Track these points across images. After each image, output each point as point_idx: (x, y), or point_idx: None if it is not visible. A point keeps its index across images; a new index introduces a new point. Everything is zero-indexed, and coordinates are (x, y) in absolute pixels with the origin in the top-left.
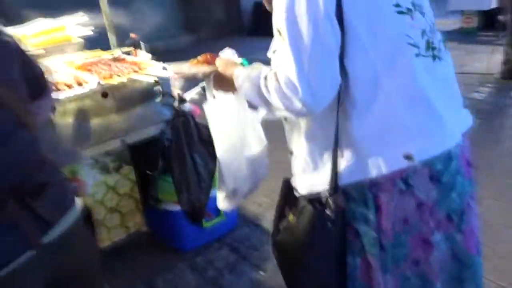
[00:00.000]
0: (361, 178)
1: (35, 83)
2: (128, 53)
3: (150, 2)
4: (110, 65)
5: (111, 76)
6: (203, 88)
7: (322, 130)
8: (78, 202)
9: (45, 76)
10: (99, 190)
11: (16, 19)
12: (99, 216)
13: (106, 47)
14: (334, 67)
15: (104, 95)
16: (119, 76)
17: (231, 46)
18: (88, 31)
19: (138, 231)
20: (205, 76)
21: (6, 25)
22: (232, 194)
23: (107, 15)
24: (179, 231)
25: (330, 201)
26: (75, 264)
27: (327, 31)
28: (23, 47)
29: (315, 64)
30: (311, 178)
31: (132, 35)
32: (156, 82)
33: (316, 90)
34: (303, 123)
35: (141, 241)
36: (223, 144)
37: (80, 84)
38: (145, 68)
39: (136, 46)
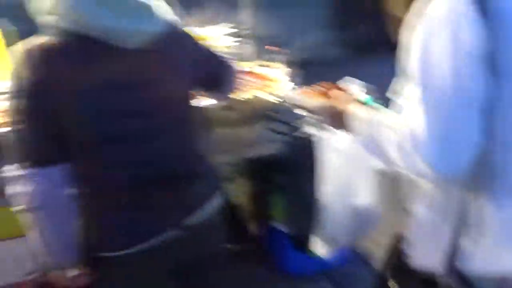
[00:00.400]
0: (488, 269)
1: (211, 77)
2: (263, 66)
3: (299, 11)
4: (240, 78)
5: (239, 90)
6: (317, 120)
7: (446, 198)
8: (220, 195)
9: (230, 73)
10: None
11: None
12: None
13: (245, 57)
14: (475, 124)
15: (228, 108)
16: (246, 90)
17: (381, 64)
18: (230, 42)
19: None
20: (317, 109)
21: None
22: (328, 241)
23: (248, 25)
24: (285, 253)
25: (443, 285)
26: (204, 252)
27: (471, 78)
28: (202, 43)
29: (449, 118)
30: (424, 250)
31: (269, 47)
32: (280, 102)
33: (448, 152)
34: (425, 183)
35: (245, 255)
36: (329, 185)
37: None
38: (274, 85)
39: (273, 58)
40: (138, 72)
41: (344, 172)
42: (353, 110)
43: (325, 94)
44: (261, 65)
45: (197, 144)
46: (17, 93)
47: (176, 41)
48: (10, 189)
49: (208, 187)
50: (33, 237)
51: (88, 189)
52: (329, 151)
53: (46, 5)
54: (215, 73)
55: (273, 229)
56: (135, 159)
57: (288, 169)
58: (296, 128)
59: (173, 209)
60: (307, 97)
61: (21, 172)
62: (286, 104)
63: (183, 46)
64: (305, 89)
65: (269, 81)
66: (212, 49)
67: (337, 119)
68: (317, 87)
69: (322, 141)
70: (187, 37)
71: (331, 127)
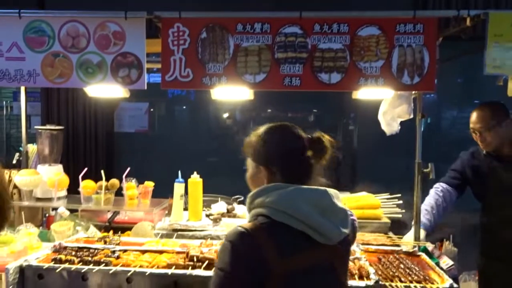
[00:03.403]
0: None
1: None
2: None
3: None
4: (400, 261)
5: (393, 278)
6: None
7: None
8: None
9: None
10: None
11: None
12: None
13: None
14: None
15: None
16: (400, 280)
17: None
18: (398, 214)
19: None
20: None
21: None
22: None
23: (418, 206)
24: None
25: None
26: None
27: None
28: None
29: None
30: None
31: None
32: None
33: None
34: None
35: None
36: None
37: (361, 277)
38: (431, 280)
39: (443, 238)
40: (324, 262)
41: None
42: None
43: None
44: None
45: None
46: (233, 265)
47: (351, 239)
48: None
49: None
50: None
51: None
52: None
53: (266, 200)
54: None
55: None
56: None
57: None
58: None
59: None
60: None
61: None
62: None
63: (352, 241)
64: None
65: (429, 271)
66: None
67: None
68: None
69: None
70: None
71: None
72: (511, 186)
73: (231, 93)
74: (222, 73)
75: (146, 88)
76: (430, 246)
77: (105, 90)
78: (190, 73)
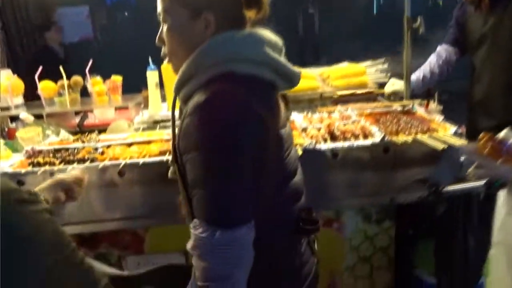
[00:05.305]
0: None
1: None
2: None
3: None
4: (399, 119)
5: (397, 133)
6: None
7: None
8: None
9: None
10: (357, 237)
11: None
12: (350, 263)
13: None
14: None
15: (386, 150)
16: (405, 134)
17: None
18: (385, 78)
19: None
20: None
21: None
22: None
23: (408, 63)
24: None
25: None
26: None
27: None
28: None
29: None
30: None
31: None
32: (444, 149)
33: None
34: None
35: None
36: None
37: (365, 136)
38: (435, 129)
39: (430, 96)
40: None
41: None
42: None
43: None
44: (419, 104)
45: None
46: (232, 144)
47: None
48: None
49: None
50: None
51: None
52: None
53: (229, 53)
54: None
55: (419, 279)
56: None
57: (443, 218)
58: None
59: None
60: (492, 160)
61: (225, 233)
62: (463, 158)
63: None
64: (473, 144)
65: (431, 122)
66: None
67: None
68: (487, 143)
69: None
70: None
71: None
72: (484, 37)
73: None
74: None
75: None
76: (417, 105)
77: None
78: None
